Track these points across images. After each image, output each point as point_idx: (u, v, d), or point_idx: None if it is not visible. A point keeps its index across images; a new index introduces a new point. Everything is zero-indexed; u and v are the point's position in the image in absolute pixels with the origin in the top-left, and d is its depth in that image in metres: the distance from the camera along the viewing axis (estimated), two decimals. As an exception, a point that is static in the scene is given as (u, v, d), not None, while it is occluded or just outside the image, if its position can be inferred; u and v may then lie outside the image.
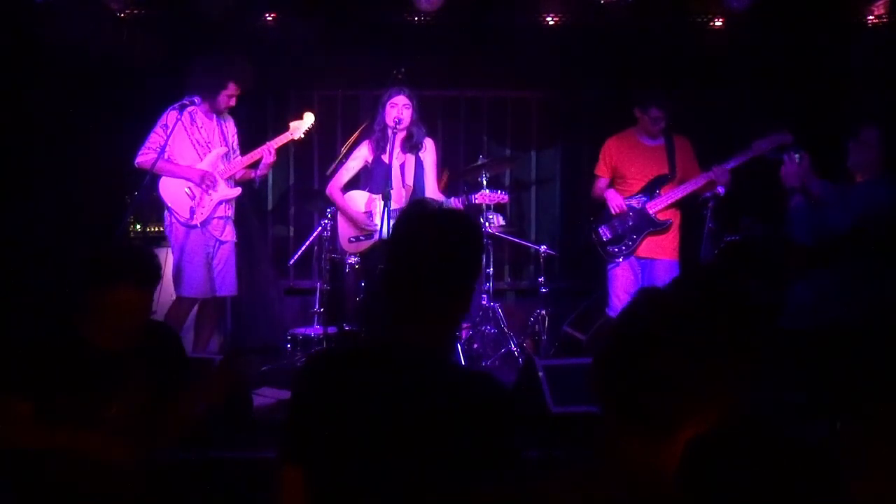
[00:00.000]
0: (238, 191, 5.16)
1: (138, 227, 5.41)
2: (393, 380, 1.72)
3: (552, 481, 1.40)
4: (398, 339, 1.77)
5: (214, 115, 5.10)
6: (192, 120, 5.02)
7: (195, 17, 5.54)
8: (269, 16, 5.83)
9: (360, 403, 1.71)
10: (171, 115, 4.99)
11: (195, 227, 4.98)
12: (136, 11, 5.63)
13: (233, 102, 5.08)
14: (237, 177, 5.19)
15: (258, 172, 5.19)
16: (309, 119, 5.26)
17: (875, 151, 3.97)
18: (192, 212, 4.98)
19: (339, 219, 5.49)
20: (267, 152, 5.10)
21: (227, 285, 5.14)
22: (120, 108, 5.35)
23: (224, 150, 5.12)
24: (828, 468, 1.46)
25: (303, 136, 5.28)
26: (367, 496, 1.69)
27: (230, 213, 5.18)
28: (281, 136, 5.20)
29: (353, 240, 5.41)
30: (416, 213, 1.85)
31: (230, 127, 5.23)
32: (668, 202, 5.08)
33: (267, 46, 5.92)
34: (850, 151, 4.03)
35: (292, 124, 5.24)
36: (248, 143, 5.32)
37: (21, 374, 2.44)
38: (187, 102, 4.90)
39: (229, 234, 5.18)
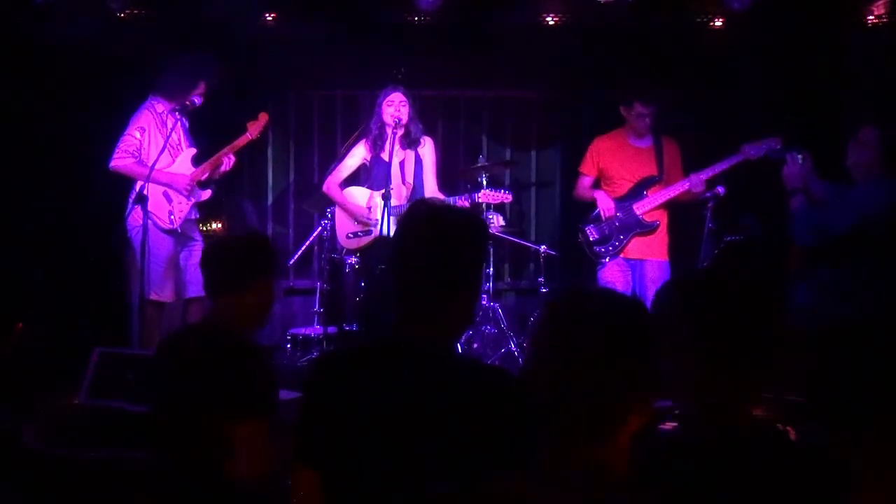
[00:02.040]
0: (209, 193, 5.18)
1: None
2: (403, 377, 1.72)
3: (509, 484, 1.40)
4: (406, 337, 1.78)
5: (178, 117, 5.10)
6: (164, 122, 5.02)
7: (195, 18, 5.54)
8: (269, 16, 5.83)
9: (370, 403, 1.71)
10: (144, 117, 5.00)
11: (175, 231, 4.99)
12: (136, 11, 5.62)
13: (199, 102, 5.07)
14: (204, 178, 5.19)
15: (214, 176, 5.18)
16: (263, 119, 5.27)
17: (874, 152, 3.96)
18: (171, 216, 4.99)
19: (338, 215, 5.49)
20: (226, 158, 5.12)
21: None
22: (119, 109, 5.34)
23: (194, 151, 5.13)
24: (822, 469, 1.46)
25: (258, 135, 5.28)
26: (381, 496, 1.69)
27: (196, 215, 5.23)
28: (241, 139, 5.19)
29: (352, 236, 5.41)
30: (420, 211, 1.86)
31: (186, 127, 5.24)
32: (655, 204, 5.08)
33: (267, 46, 5.92)
34: (850, 152, 4.02)
35: (249, 125, 5.24)
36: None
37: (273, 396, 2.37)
38: (189, 104, 4.93)
39: (197, 234, 5.23)
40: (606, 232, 5.12)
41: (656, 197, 5.07)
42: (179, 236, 5.06)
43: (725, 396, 1.56)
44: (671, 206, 5.18)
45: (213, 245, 2.61)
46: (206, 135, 5.37)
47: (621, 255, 5.13)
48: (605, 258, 5.12)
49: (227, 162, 5.14)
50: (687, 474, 1.47)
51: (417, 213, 1.84)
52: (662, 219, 5.12)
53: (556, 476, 1.33)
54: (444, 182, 5.94)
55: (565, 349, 1.33)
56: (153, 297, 4.92)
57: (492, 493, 1.60)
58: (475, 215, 1.90)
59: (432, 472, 1.65)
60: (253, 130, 5.23)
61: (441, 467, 1.65)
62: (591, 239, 5.17)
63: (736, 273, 1.65)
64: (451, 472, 1.65)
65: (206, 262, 2.56)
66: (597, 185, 5.27)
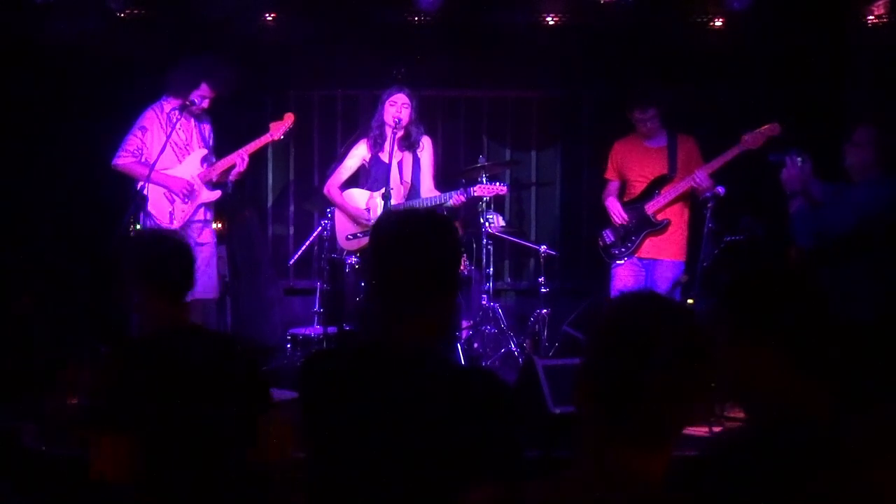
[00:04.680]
0: (217, 194, 5.13)
1: (138, 226, 5.41)
2: (390, 379, 1.73)
3: (539, 485, 1.39)
4: (392, 339, 1.79)
5: (192, 118, 5.08)
6: (171, 121, 4.97)
7: (195, 18, 5.54)
8: (269, 16, 5.83)
9: (357, 404, 1.72)
10: (148, 117, 4.98)
11: (175, 231, 4.96)
12: (136, 11, 5.62)
13: (206, 104, 5.02)
14: (214, 179, 5.17)
15: (230, 178, 5.13)
16: (289, 120, 5.23)
17: (870, 152, 3.95)
18: (171, 216, 4.97)
19: (337, 216, 5.48)
20: (239, 159, 5.06)
21: (208, 288, 5.07)
22: (120, 108, 5.34)
23: (204, 152, 5.10)
24: (830, 468, 1.46)
25: (282, 137, 5.23)
26: (366, 496, 1.69)
27: (208, 216, 5.17)
28: (259, 139, 5.15)
29: (351, 237, 5.41)
30: (390, 218, 1.91)
31: (207, 129, 5.20)
32: (664, 202, 5.10)
33: (267, 46, 5.92)
34: (847, 153, 4.02)
35: (272, 125, 5.21)
36: (247, 142, 5.30)
37: None
38: (188, 104, 4.92)
39: (207, 237, 5.15)
40: (622, 234, 5.18)
41: (667, 194, 5.09)
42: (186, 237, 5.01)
43: (807, 396, 1.54)
44: (687, 205, 5.18)
45: (180, 246, 2.56)
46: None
47: (636, 256, 5.15)
48: (621, 259, 5.18)
49: (241, 163, 5.07)
50: (764, 474, 1.45)
51: (388, 221, 1.89)
52: (675, 218, 5.12)
53: (598, 483, 1.32)
54: (445, 182, 5.94)
55: (642, 355, 1.32)
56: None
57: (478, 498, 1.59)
58: (443, 216, 1.96)
59: (417, 474, 1.65)
60: (275, 131, 5.18)
61: (425, 470, 1.66)
62: (607, 242, 5.24)
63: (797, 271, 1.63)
64: (435, 475, 1.65)
65: (188, 262, 2.52)
66: (621, 188, 5.32)
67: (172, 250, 2.49)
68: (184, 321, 2.45)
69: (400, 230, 1.82)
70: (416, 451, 1.67)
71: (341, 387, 1.75)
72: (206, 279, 5.08)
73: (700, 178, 4.90)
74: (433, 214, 1.96)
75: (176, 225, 4.97)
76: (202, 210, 5.11)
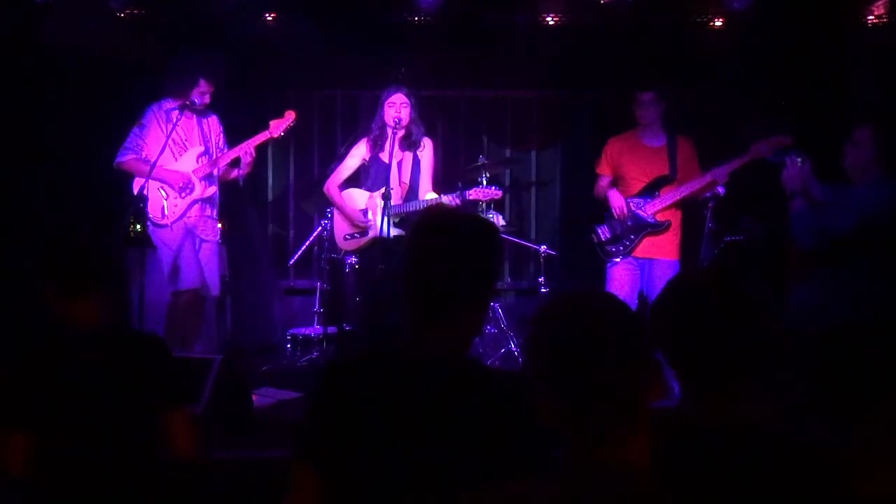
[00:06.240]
0: (213, 189, 5.13)
1: (138, 227, 5.41)
2: (420, 385, 1.70)
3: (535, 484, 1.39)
4: (421, 345, 1.76)
5: (194, 115, 5.09)
6: (169, 119, 4.98)
7: (195, 18, 5.55)
8: (269, 16, 5.83)
9: (387, 410, 1.69)
10: (147, 114, 5.00)
11: (165, 226, 4.97)
12: (136, 11, 5.63)
13: (207, 99, 5.03)
14: (221, 176, 5.18)
15: (240, 172, 5.14)
16: (289, 118, 5.23)
17: (869, 151, 3.95)
18: (163, 211, 4.98)
19: (336, 216, 5.49)
20: (244, 152, 5.06)
21: (210, 285, 5.11)
22: (119, 108, 5.35)
23: (201, 149, 5.10)
24: (823, 468, 1.46)
25: (282, 133, 5.22)
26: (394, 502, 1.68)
27: (210, 212, 5.17)
28: (260, 135, 5.14)
29: (349, 237, 5.41)
30: (436, 219, 1.82)
31: (213, 125, 5.20)
32: (668, 203, 5.06)
33: (267, 46, 5.92)
34: (846, 153, 4.01)
35: (272, 122, 5.20)
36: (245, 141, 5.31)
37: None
38: (189, 103, 4.93)
39: (211, 234, 5.17)
40: (618, 231, 5.13)
41: (670, 195, 5.05)
42: (181, 231, 5.02)
43: (718, 397, 1.56)
44: (684, 206, 5.17)
45: (77, 245, 2.61)
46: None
47: (631, 255, 5.12)
48: (616, 258, 5.12)
49: (246, 156, 5.07)
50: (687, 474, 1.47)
51: (434, 222, 1.80)
52: (674, 218, 5.10)
53: (583, 480, 1.32)
54: (445, 182, 5.94)
55: (585, 350, 1.32)
56: (177, 287, 4.95)
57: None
58: (491, 223, 1.87)
59: (454, 481, 1.64)
60: (275, 129, 5.17)
61: (463, 476, 1.64)
62: (602, 238, 5.17)
63: (722, 275, 1.64)
64: (473, 482, 1.64)
65: (87, 261, 2.52)
66: (614, 184, 5.27)
67: (69, 250, 2.50)
68: (90, 320, 2.44)
69: (439, 236, 1.76)
70: (447, 456, 1.65)
71: (368, 394, 1.71)
72: (209, 276, 5.09)
73: (718, 174, 4.86)
74: (475, 219, 1.86)
75: (168, 220, 4.97)
76: (200, 206, 5.11)
